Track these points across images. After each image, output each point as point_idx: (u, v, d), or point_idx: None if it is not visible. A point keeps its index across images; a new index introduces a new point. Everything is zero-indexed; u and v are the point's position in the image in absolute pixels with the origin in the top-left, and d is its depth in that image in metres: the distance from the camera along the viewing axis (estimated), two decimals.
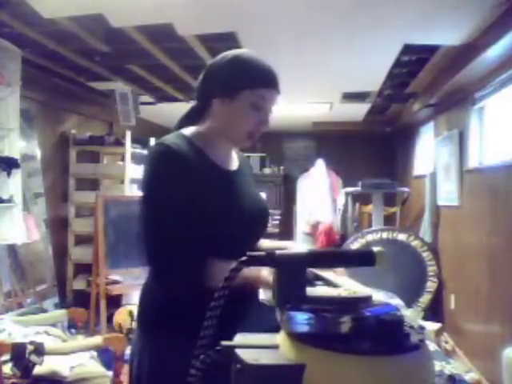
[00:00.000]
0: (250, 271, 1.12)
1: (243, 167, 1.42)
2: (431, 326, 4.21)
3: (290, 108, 5.58)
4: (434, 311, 4.63)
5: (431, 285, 4.61)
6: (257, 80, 1.26)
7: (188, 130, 1.32)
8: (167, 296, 1.24)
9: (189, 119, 1.36)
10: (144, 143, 5.00)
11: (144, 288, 1.32)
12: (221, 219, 1.20)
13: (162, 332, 1.23)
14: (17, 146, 3.35)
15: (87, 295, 4.23)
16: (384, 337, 0.69)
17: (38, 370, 2.31)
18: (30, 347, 2.26)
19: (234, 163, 1.38)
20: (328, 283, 1.00)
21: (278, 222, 7.17)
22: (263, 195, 1.51)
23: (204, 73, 1.33)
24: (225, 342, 0.75)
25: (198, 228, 1.17)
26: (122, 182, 4.81)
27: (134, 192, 4.59)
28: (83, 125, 4.98)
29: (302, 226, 6.59)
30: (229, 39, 3.14)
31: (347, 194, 5.93)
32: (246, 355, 0.70)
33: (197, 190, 1.19)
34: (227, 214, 1.22)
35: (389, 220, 5.94)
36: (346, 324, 0.71)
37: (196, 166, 1.23)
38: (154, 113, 5.78)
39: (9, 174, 3.23)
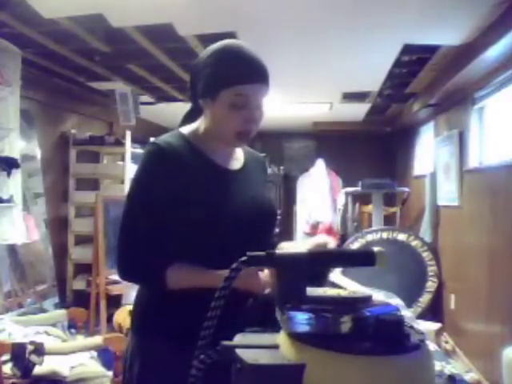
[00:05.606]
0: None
1: (250, 166, 1.36)
2: (431, 326, 4.20)
3: (290, 108, 5.58)
4: (434, 311, 4.63)
5: (431, 285, 4.61)
6: (232, 78, 1.18)
7: (186, 129, 1.31)
8: (150, 298, 1.24)
9: (190, 117, 1.35)
10: (144, 143, 4.99)
11: (138, 289, 1.32)
12: (210, 218, 1.17)
13: (151, 334, 1.22)
14: (17, 146, 3.34)
15: (87, 295, 4.23)
16: (384, 337, 0.69)
17: (37, 370, 2.31)
18: (30, 347, 2.26)
19: (237, 162, 1.33)
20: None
21: (277, 222, 7.15)
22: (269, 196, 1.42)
23: (190, 73, 1.31)
24: (225, 342, 0.75)
25: (180, 227, 1.17)
26: (122, 182, 4.80)
27: None
28: (83, 125, 4.98)
29: (302, 225, 6.59)
30: (229, 39, 3.13)
31: (347, 193, 5.92)
32: (246, 355, 0.70)
33: (186, 187, 1.17)
34: (217, 212, 1.18)
35: (389, 220, 5.94)
36: (345, 324, 0.71)
37: (189, 163, 1.21)
38: (154, 113, 5.78)
39: (9, 174, 3.23)
